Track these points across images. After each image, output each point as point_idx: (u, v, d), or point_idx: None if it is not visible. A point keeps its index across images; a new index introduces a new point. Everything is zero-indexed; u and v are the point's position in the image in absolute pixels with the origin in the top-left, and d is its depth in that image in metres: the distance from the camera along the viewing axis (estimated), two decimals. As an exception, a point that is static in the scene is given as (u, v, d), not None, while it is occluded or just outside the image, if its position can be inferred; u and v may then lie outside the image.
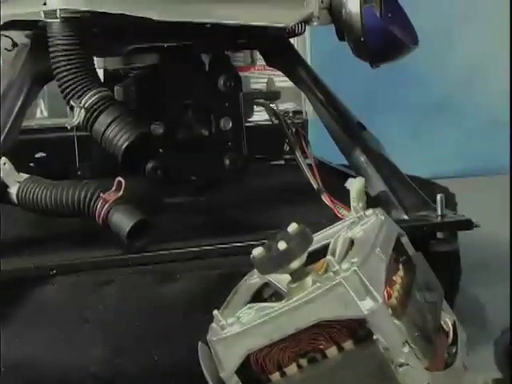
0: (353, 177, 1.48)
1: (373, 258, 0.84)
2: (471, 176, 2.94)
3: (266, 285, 1.02)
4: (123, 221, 1.31)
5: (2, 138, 1.48)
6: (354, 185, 1.40)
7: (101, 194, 1.33)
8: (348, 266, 0.82)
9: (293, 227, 0.88)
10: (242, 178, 1.69)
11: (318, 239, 0.99)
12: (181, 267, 1.33)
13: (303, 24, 1.66)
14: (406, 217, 1.48)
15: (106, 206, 1.32)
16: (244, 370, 0.87)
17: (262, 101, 1.81)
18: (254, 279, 1.03)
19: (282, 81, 1.95)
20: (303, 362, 0.85)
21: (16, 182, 1.40)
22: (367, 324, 0.81)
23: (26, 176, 1.41)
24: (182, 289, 1.32)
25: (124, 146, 1.36)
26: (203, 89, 1.64)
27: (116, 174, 1.35)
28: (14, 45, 1.63)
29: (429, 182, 1.87)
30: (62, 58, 1.37)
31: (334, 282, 0.82)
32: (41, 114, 2.20)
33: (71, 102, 1.38)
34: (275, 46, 1.72)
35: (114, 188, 1.34)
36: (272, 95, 1.85)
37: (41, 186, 1.37)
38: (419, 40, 1.55)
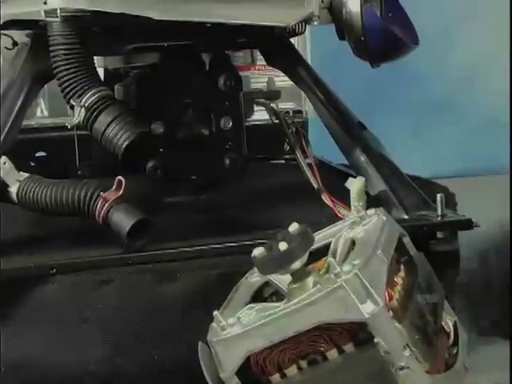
0: (353, 176, 1.48)
1: (374, 261, 0.84)
2: (471, 176, 2.94)
3: (267, 284, 1.02)
4: (123, 220, 1.31)
5: (3, 137, 1.48)
6: (355, 184, 1.41)
7: (101, 193, 1.33)
8: (349, 268, 0.82)
9: (294, 227, 0.88)
10: (241, 178, 1.69)
11: (319, 238, 0.99)
12: (180, 266, 1.33)
13: (303, 23, 1.66)
14: (406, 216, 1.48)
15: (107, 205, 1.32)
16: (244, 371, 0.86)
17: (262, 100, 1.81)
18: (255, 278, 1.03)
19: (282, 80, 1.95)
20: (303, 363, 0.85)
21: (16, 181, 1.40)
22: (368, 327, 0.81)
23: (26, 175, 1.41)
24: (182, 288, 1.32)
25: (124, 146, 1.36)
26: (203, 88, 1.64)
27: (116, 173, 1.35)
28: (15, 44, 1.63)
29: (429, 182, 1.86)
30: (62, 58, 1.37)
31: (335, 285, 0.81)
32: (41, 113, 2.20)
33: (71, 102, 1.38)
34: (275, 45, 1.72)
35: (114, 187, 1.34)
36: (272, 95, 1.85)
37: (41, 185, 1.37)
38: (419, 39, 1.55)
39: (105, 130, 1.38)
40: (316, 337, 0.83)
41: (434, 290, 0.93)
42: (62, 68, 1.37)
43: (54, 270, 1.29)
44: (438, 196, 1.46)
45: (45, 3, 1.37)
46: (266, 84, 1.97)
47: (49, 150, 2.12)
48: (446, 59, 3.12)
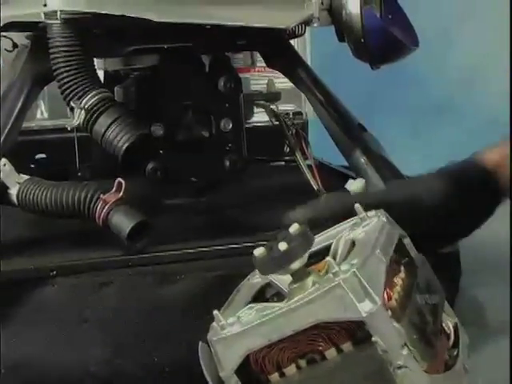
0: (353, 178, 1.48)
1: (373, 260, 0.84)
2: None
3: (269, 285, 1.02)
4: (123, 222, 1.31)
5: (2, 139, 1.48)
6: (354, 186, 1.41)
7: (101, 195, 1.33)
8: (347, 267, 0.82)
9: (294, 228, 0.88)
10: (241, 179, 1.69)
11: (320, 240, 0.99)
12: (181, 268, 1.33)
13: (303, 25, 1.66)
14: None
15: (106, 207, 1.32)
16: (244, 370, 0.86)
17: (262, 102, 1.81)
18: (257, 279, 1.03)
19: (282, 82, 1.95)
20: (302, 363, 0.85)
21: (16, 183, 1.40)
22: (366, 326, 0.81)
23: (26, 177, 1.41)
24: (182, 290, 1.32)
25: (124, 147, 1.36)
26: (203, 90, 1.64)
27: (116, 175, 1.35)
28: (15, 46, 1.63)
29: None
30: (62, 59, 1.37)
31: (332, 284, 0.81)
32: (41, 115, 2.20)
33: (71, 103, 1.38)
34: (275, 47, 1.72)
35: (114, 189, 1.34)
36: (272, 96, 1.85)
37: (41, 187, 1.37)
38: (420, 41, 1.55)
39: (105, 131, 1.38)
40: (314, 336, 0.83)
41: (434, 291, 0.93)
42: (62, 70, 1.37)
43: (54, 272, 1.29)
44: (438, 197, 1.46)
45: (45, 5, 1.37)
46: (265, 86, 1.97)
47: (49, 152, 2.12)
48: (445, 60, 3.12)
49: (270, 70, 1.85)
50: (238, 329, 0.85)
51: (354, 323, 0.82)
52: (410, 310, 0.85)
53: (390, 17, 1.54)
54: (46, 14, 1.37)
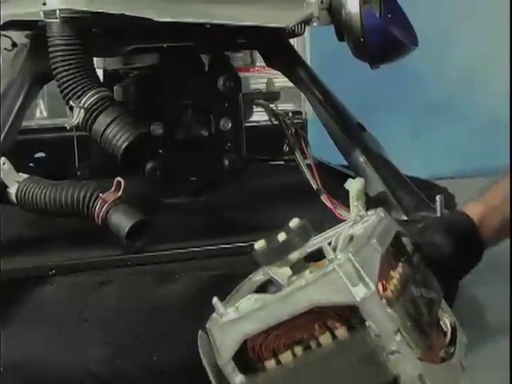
0: (352, 177, 1.48)
1: (368, 248, 0.85)
2: (471, 176, 2.94)
3: (270, 282, 1.02)
4: (122, 221, 1.31)
5: (2, 137, 1.48)
6: (353, 185, 1.41)
7: (100, 195, 1.33)
8: (343, 254, 0.83)
9: (294, 222, 0.89)
10: (241, 179, 1.69)
11: (321, 240, 1.00)
12: (179, 267, 1.33)
13: (303, 24, 1.66)
14: (405, 217, 1.48)
15: (106, 206, 1.32)
16: (242, 358, 0.87)
17: (261, 101, 1.81)
18: (258, 276, 1.04)
19: (281, 81, 1.95)
20: (298, 350, 0.85)
21: (15, 182, 1.40)
22: (359, 311, 0.81)
23: (25, 176, 1.41)
24: (181, 289, 1.32)
25: (123, 147, 1.36)
26: (203, 89, 1.63)
27: (115, 174, 1.35)
28: (14, 45, 1.63)
29: (428, 183, 1.86)
30: (61, 59, 1.37)
31: (327, 269, 0.82)
32: (40, 114, 2.20)
33: (71, 102, 1.38)
34: (275, 46, 1.72)
35: (113, 188, 1.33)
36: (271, 96, 1.85)
37: (40, 186, 1.37)
38: (420, 41, 1.55)
39: (104, 130, 1.38)
40: (310, 322, 0.84)
41: (430, 288, 0.93)
42: (62, 69, 1.37)
43: (53, 271, 1.29)
44: (438, 197, 1.46)
45: (44, 4, 1.37)
46: (265, 85, 1.97)
47: (48, 151, 2.12)
48: (445, 60, 3.12)
49: (270, 69, 1.85)
50: (236, 315, 0.86)
51: (349, 309, 0.82)
52: (404, 298, 0.86)
53: (389, 16, 1.54)
54: (45, 13, 1.37)
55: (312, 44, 2.37)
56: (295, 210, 1.55)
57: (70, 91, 1.38)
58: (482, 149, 3.03)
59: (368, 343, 0.81)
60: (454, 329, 0.93)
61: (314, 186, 1.54)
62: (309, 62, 1.91)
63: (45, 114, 2.20)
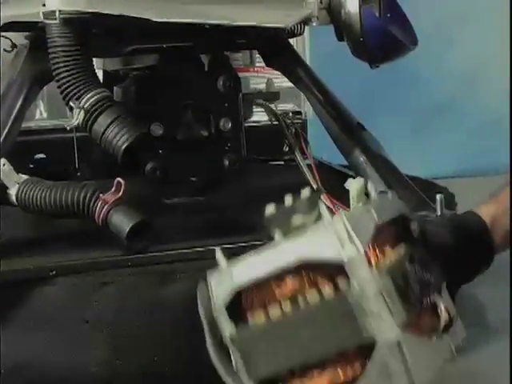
0: (352, 177, 1.48)
1: (364, 215, 0.86)
2: (471, 176, 2.94)
3: None
4: (123, 222, 1.31)
5: (2, 138, 1.48)
6: (354, 185, 1.40)
7: (100, 195, 1.33)
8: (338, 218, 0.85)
9: (305, 192, 0.91)
10: (241, 179, 1.69)
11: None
12: (180, 268, 1.33)
13: (302, 24, 1.66)
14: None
15: (106, 206, 1.32)
16: (237, 314, 0.88)
17: (261, 101, 1.81)
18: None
19: (281, 81, 1.95)
20: (286, 304, 0.86)
21: (15, 183, 1.40)
22: (345, 269, 0.82)
23: (25, 177, 1.41)
24: (182, 289, 1.32)
25: (123, 147, 1.36)
26: (202, 89, 1.63)
27: (115, 174, 1.35)
28: (14, 46, 1.63)
29: (428, 182, 1.86)
30: (61, 59, 1.37)
31: (319, 225, 0.83)
32: (40, 115, 2.20)
33: (70, 103, 1.38)
34: (274, 46, 1.72)
35: (113, 189, 1.34)
36: (271, 96, 1.85)
37: (40, 187, 1.37)
38: (420, 41, 1.55)
39: (104, 131, 1.38)
40: (300, 279, 0.85)
41: (429, 271, 0.93)
42: (61, 70, 1.37)
43: (54, 272, 1.29)
44: (438, 196, 1.46)
45: (43, 5, 1.37)
46: (265, 85, 1.97)
47: (48, 152, 2.12)
48: (446, 60, 3.12)
49: (269, 69, 1.85)
50: (231, 266, 0.87)
51: (337, 270, 0.83)
52: (395, 268, 0.86)
53: (388, 16, 1.54)
54: (44, 13, 1.37)
55: (312, 44, 2.37)
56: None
57: (70, 92, 1.38)
58: (483, 148, 3.03)
59: (350, 303, 0.82)
60: (450, 318, 0.93)
61: (314, 186, 1.54)
62: (308, 62, 1.91)
63: (45, 114, 2.20)
